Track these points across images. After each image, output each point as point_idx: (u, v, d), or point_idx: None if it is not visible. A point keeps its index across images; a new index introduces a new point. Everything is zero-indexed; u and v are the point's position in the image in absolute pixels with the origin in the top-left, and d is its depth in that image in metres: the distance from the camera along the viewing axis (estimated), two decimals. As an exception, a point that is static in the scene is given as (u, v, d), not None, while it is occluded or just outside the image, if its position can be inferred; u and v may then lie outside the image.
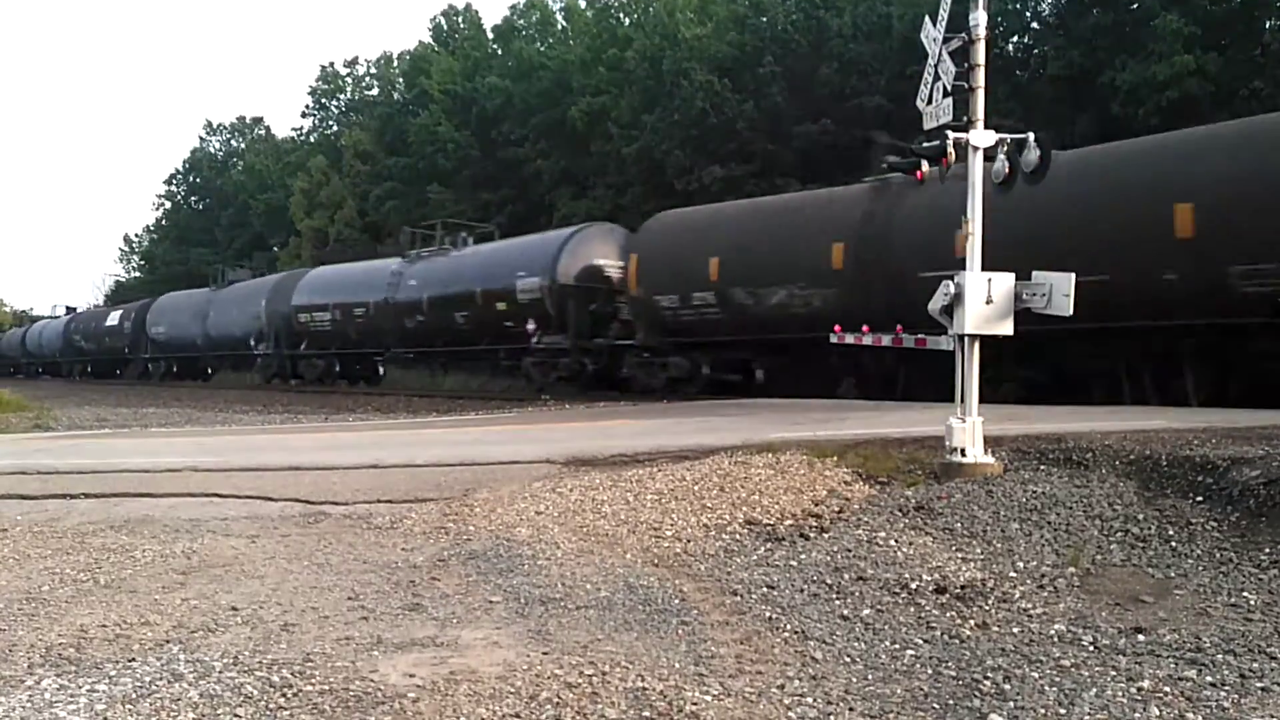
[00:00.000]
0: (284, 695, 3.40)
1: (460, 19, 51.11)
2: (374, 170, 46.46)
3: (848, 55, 28.48)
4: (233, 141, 73.55)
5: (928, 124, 7.16)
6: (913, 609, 4.52)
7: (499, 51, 46.09)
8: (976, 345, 6.92)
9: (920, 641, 4.07)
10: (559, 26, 45.98)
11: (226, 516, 6.58)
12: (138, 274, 76.48)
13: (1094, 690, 3.46)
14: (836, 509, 6.30)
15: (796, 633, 4.18)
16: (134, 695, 3.41)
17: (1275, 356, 11.73)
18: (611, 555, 5.46)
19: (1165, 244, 12.01)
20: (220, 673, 3.62)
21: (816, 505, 6.37)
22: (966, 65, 6.88)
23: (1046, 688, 3.50)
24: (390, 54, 56.81)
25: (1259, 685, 3.49)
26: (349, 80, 60.04)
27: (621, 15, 40.48)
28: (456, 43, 48.15)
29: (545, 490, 6.85)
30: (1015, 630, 4.23)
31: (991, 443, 7.00)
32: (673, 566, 5.29)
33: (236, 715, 3.23)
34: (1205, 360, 12.52)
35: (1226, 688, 3.48)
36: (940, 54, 7.00)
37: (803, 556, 5.38)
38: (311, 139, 61.28)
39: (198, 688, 3.47)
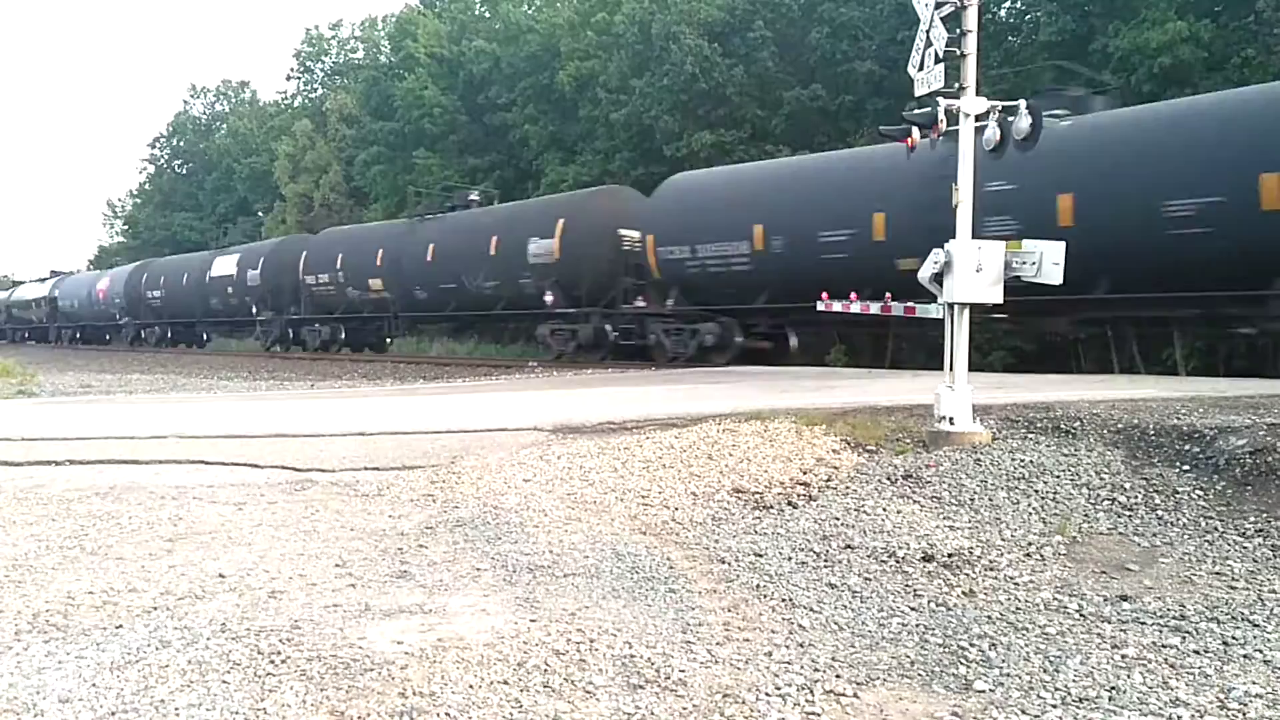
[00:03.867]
0: (272, 662, 3.40)
1: (447, -19, 50.38)
2: (359, 134, 45.96)
3: (839, 19, 28.14)
4: (217, 105, 72.54)
5: (919, 90, 7.10)
6: (900, 577, 4.54)
7: (486, 14, 45.49)
8: (966, 313, 6.92)
9: (907, 609, 4.09)
10: (547, -11, 45.39)
11: (213, 483, 6.55)
12: (120, 239, 75.77)
13: (1079, 658, 3.49)
14: (824, 477, 6.32)
15: (784, 600, 4.19)
16: (122, 662, 3.41)
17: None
18: (599, 523, 5.46)
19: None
20: (208, 640, 3.62)
21: (804, 473, 6.38)
22: (958, 31, 6.82)
23: (1032, 655, 3.52)
24: (375, 17, 56.17)
25: (1241, 652, 3.53)
26: (333, 43, 59.29)
27: (610, -22, 39.99)
28: (443, 5, 47.49)
29: (533, 458, 6.85)
30: (1001, 598, 4.25)
31: (980, 411, 7.01)
32: (660, 534, 5.30)
33: (225, 682, 3.23)
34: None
35: (1209, 654, 3.51)
36: (932, 19, 6.92)
37: (790, 525, 5.40)
38: (296, 103, 60.54)
39: (185, 655, 3.46)
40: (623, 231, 20.30)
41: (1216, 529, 5.05)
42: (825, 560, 4.80)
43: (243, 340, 37.31)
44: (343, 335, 29.92)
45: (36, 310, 52.63)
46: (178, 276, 38.38)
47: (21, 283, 60.28)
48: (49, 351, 41.74)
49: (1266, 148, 11.38)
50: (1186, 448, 6.05)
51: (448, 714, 3.01)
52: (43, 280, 55.57)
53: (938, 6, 6.86)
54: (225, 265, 35.27)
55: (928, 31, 6.98)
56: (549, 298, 21.07)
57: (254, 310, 32.78)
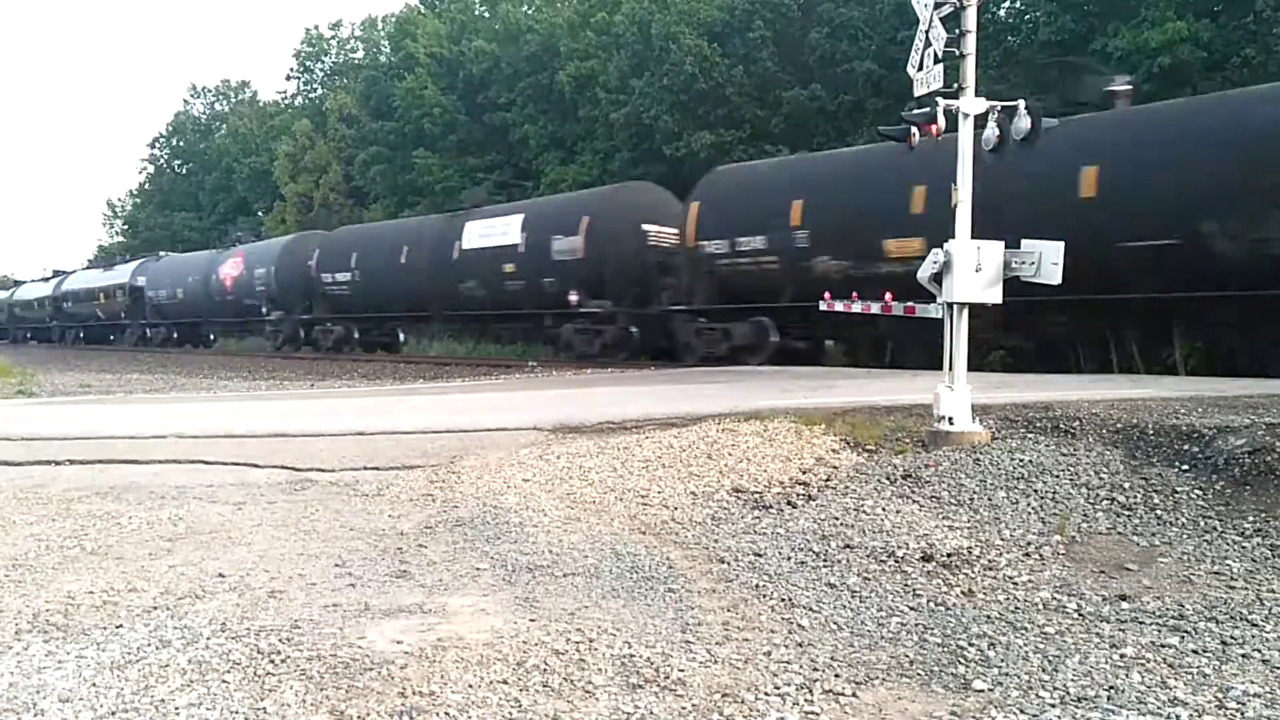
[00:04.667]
0: (272, 662, 3.40)
1: (446, -19, 50.42)
2: (359, 134, 45.99)
3: (838, 19, 28.18)
4: (217, 105, 72.64)
5: (918, 90, 7.11)
6: (899, 577, 4.55)
7: (486, 14, 45.54)
8: (965, 313, 6.93)
9: (906, 609, 4.10)
10: (547, -11, 45.43)
11: (213, 483, 6.56)
12: (120, 238, 75.79)
13: (1077, 657, 3.49)
14: (824, 477, 6.32)
15: (783, 600, 4.20)
16: (122, 662, 3.41)
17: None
18: (599, 523, 5.47)
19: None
20: (208, 639, 3.62)
21: (804, 473, 6.39)
22: (958, 31, 6.83)
23: (1030, 654, 3.53)
24: (375, 17, 56.28)
25: (1240, 652, 3.53)
26: (333, 43, 59.32)
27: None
28: (443, 5, 47.53)
29: (532, 457, 6.85)
30: (1000, 598, 4.26)
31: (979, 411, 7.02)
32: (660, 534, 5.30)
33: (225, 681, 3.24)
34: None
35: (1208, 654, 3.52)
36: (931, 19, 6.93)
37: (790, 524, 5.40)
38: (296, 102, 60.57)
39: (186, 654, 3.47)
40: None
41: (1215, 529, 5.05)
42: (824, 560, 4.80)
43: (509, 342, 25.96)
44: (773, 337, 17.13)
45: (106, 304, 41.10)
46: (387, 254, 26.62)
47: (67, 272, 49.44)
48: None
49: None
50: (1185, 447, 6.06)
51: (447, 714, 3.01)
52: (108, 267, 44.84)
53: (937, 7, 6.86)
54: (495, 232, 23.05)
55: (927, 32, 6.98)
56: None
57: (571, 298, 20.75)
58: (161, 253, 44.81)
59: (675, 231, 19.44)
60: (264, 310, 31.53)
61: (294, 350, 30.32)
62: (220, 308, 34.32)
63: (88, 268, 50.60)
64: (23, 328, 53.49)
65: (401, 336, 29.54)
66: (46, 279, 52.51)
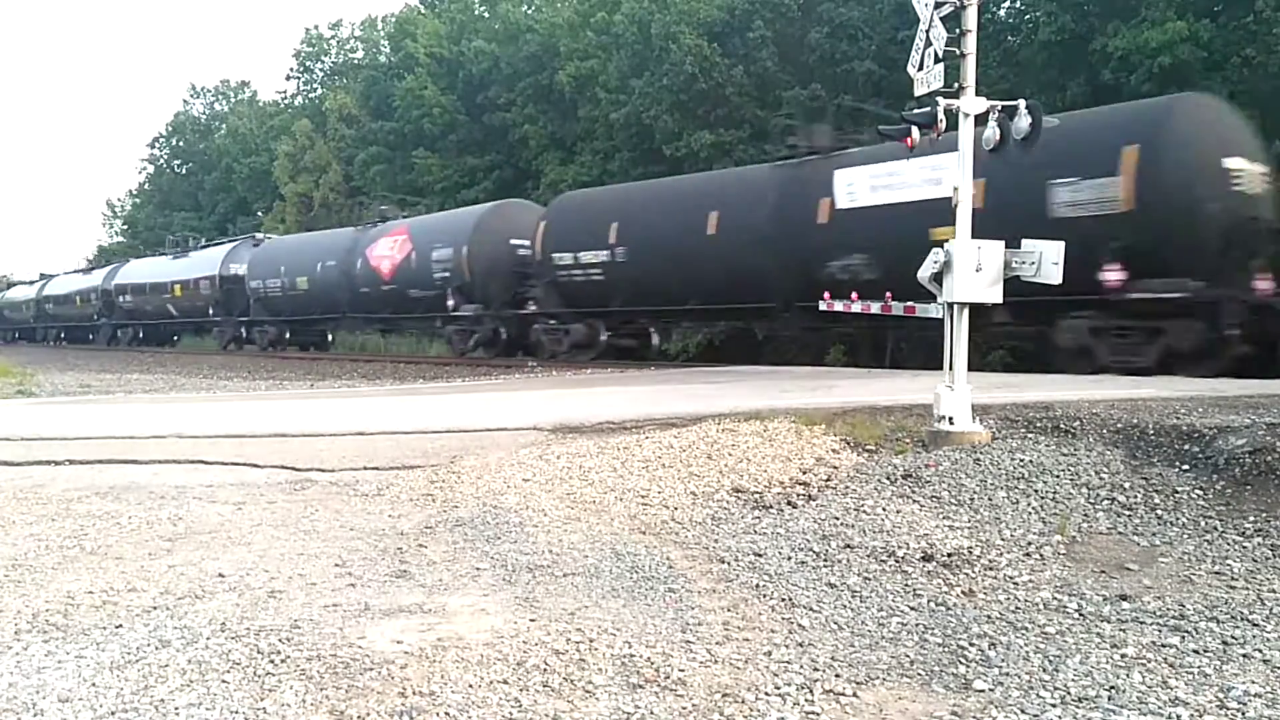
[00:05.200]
0: (272, 662, 3.40)
1: (446, -19, 50.40)
2: (359, 134, 45.99)
3: (838, 19, 28.17)
4: (216, 105, 72.69)
5: (918, 90, 7.11)
6: (899, 577, 4.55)
7: (486, 14, 45.55)
8: (965, 313, 6.92)
9: (906, 609, 4.09)
10: (546, -11, 45.41)
11: (212, 483, 6.56)
12: (120, 239, 75.79)
13: (1078, 657, 3.49)
14: (824, 477, 6.32)
15: (783, 600, 4.19)
16: (121, 662, 3.41)
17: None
18: (599, 522, 5.46)
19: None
20: (208, 639, 3.62)
21: (804, 473, 6.38)
22: (958, 30, 6.83)
23: (1031, 654, 3.53)
24: (375, 17, 56.32)
25: (1240, 651, 3.53)
26: (333, 43, 59.34)
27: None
28: (443, 5, 47.53)
29: (532, 457, 6.84)
30: (1001, 598, 4.25)
31: (980, 411, 7.01)
32: (660, 534, 5.30)
33: (224, 681, 3.23)
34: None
35: (1209, 654, 3.51)
36: (931, 19, 6.93)
37: (790, 524, 5.40)
38: (296, 102, 60.57)
39: (185, 654, 3.46)
40: None
41: (1216, 528, 5.05)
42: (825, 560, 4.80)
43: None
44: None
45: (182, 297, 33.94)
46: (678, 222, 18.32)
47: (115, 263, 42.95)
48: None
49: None
50: (1186, 447, 6.06)
51: (447, 714, 3.01)
52: (181, 254, 36.80)
53: (937, 6, 6.86)
54: (909, 180, 14.17)
55: (927, 31, 6.98)
56: None
57: (1107, 277, 11.98)
58: (259, 234, 37.88)
59: (1265, 170, 12.50)
60: (450, 304, 23.36)
61: (490, 355, 23.20)
62: (369, 301, 26.26)
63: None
64: (55, 326, 46.94)
65: (655, 338, 21.95)
66: (86, 270, 46.91)
